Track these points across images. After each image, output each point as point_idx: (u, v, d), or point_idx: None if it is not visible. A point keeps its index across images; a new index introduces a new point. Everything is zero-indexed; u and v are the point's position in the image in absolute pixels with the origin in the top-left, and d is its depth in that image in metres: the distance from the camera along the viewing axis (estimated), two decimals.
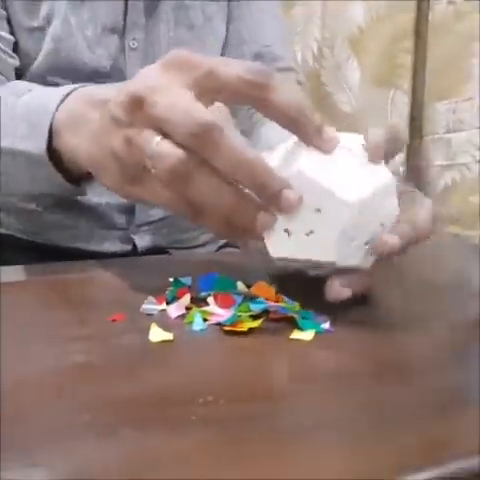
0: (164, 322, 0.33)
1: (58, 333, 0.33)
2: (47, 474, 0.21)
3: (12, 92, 0.47)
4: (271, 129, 0.59)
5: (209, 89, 0.33)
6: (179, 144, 0.32)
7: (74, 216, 0.64)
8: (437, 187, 1.21)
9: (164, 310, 0.35)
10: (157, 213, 0.68)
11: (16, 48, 0.60)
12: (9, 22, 0.59)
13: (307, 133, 0.33)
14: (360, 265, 0.35)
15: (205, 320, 0.34)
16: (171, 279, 0.39)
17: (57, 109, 0.42)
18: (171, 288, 0.38)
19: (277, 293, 0.36)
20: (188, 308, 0.35)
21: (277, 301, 0.35)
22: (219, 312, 0.34)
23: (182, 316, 0.35)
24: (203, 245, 0.74)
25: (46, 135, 0.42)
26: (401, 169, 1.10)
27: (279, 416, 0.25)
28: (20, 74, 0.61)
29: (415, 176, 0.36)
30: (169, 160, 0.32)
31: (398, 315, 0.37)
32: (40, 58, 0.60)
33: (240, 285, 0.38)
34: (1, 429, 0.23)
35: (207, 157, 0.32)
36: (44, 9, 0.59)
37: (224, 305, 0.35)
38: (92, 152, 0.39)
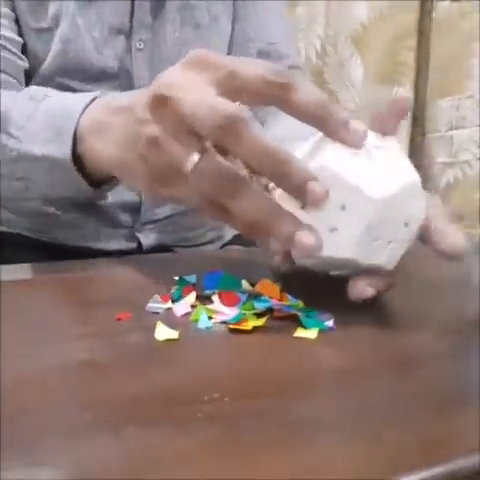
0: (170, 320, 0.34)
1: (63, 331, 0.33)
2: (50, 473, 0.21)
3: (29, 97, 0.47)
4: (274, 127, 0.59)
5: (231, 89, 0.33)
6: (218, 155, 0.33)
7: (80, 215, 0.64)
8: (439, 184, 1.21)
9: (169, 308, 0.36)
10: (163, 211, 0.68)
11: (24, 50, 0.61)
12: (17, 23, 0.60)
13: (333, 128, 0.33)
14: (383, 265, 0.34)
15: (210, 318, 0.34)
16: (176, 277, 0.39)
17: (81, 115, 0.42)
18: (176, 286, 0.38)
19: (281, 291, 0.36)
20: (193, 306, 0.36)
21: (281, 299, 0.36)
22: (224, 310, 0.35)
23: (187, 314, 0.35)
24: (208, 243, 0.75)
25: (71, 140, 0.43)
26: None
27: (284, 413, 0.25)
28: (29, 75, 0.61)
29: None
30: (211, 178, 0.33)
31: (401, 313, 0.37)
32: (49, 59, 0.60)
33: (244, 283, 0.38)
34: (3, 427, 0.23)
35: (232, 149, 0.32)
36: (51, 10, 0.60)
37: (229, 303, 0.35)
38: (119, 156, 0.39)
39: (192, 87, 0.33)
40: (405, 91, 1.30)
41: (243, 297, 0.36)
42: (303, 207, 0.33)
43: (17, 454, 0.22)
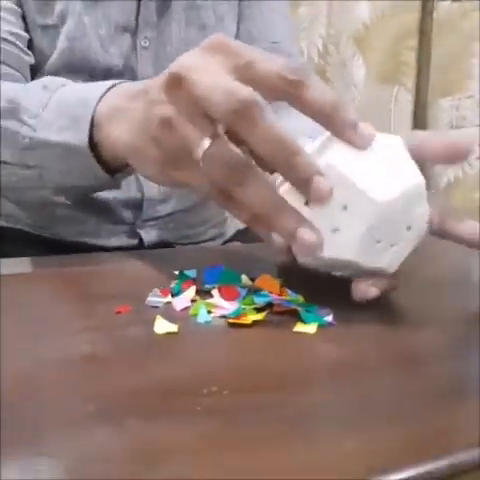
0: (169, 314, 0.34)
1: (63, 325, 0.33)
2: (52, 464, 0.21)
3: (43, 87, 0.47)
4: (285, 121, 0.59)
5: (246, 80, 0.33)
6: (229, 137, 0.33)
7: (81, 211, 0.64)
8: (440, 184, 1.21)
9: (169, 302, 0.36)
10: (164, 208, 0.68)
11: (31, 46, 0.61)
12: (24, 20, 0.60)
13: (341, 128, 0.33)
14: (385, 268, 0.34)
15: (210, 312, 0.34)
16: (176, 272, 0.40)
17: (98, 102, 0.42)
18: (176, 281, 0.38)
19: (281, 286, 0.36)
20: (193, 300, 0.36)
21: (281, 294, 0.36)
22: (224, 305, 0.35)
23: (187, 308, 0.35)
24: (209, 240, 0.75)
25: (88, 127, 0.42)
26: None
27: (282, 407, 0.25)
28: (34, 72, 0.61)
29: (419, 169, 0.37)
30: (220, 164, 0.33)
31: (400, 310, 0.37)
32: (55, 56, 0.60)
33: (244, 278, 0.38)
34: (4, 420, 0.23)
35: (245, 134, 0.32)
36: (58, 8, 0.60)
37: (229, 298, 0.35)
38: (132, 140, 0.39)
39: (208, 70, 0.33)
40: (406, 90, 1.30)
41: (243, 292, 0.36)
42: (307, 203, 0.33)
43: (18, 446, 0.22)
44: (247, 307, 0.34)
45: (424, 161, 0.35)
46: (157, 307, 0.35)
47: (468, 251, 0.39)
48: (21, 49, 0.59)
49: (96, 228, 0.65)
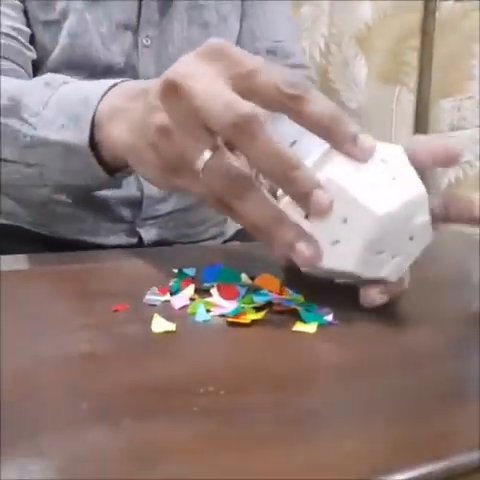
0: (167, 313, 0.33)
1: (60, 322, 0.33)
2: (48, 463, 0.21)
3: (45, 84, 0.46)
4: (289, 125, 0.59)
5: (245, 90, 0.32)
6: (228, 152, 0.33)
7: (81, 209, 0.64)
8: (441, 184, 1.21)
9: (168, 301, 0.35)
10: (164, 207, 0.68)
11: (32, 41, 0.61)
12: (25, 15, 0.60)
13: (341, 141, 0.33)
14: (386, 277, 0.34)
15: (208, 311, 0.34)
16: (175, 270, 0.39)
17: (99, 102, 0.42)
18: (175, 279, 0.38)
19: (281, 285, 0.36)
20: (192, 299, 0.35)
21: (281, 293, 0.35)
22: (223, 303, 0.34)
23: (185, 307, 0.35)
24: (209, 239, 0.74)
25: (89, 126, 0.42)
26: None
27: (280, 408, 0.25)
28: (36, 67, 0.61)
29: (419, 174, 0.36)
30: (220, 177, 0.33)
31: (400, 309, 0.37)
32: (56, 52, 0.60)
33: (244, 277, 0.38)
34: (3, 417, 0.23)
35: (244, 149, 0.32)
36: (60, 3, 0.60)
37: (228, 297, 0.35)
38: (131, 141, 0.39)
39: (206, 78, 0.32)
40: (408, 90, 1.30)
41: (242, 291, 0.35)
42: (307, 217, 0.33)
43: (15, 445, 0.21)
44: (246, 306, 0.34)
45: (418, 166, 0.35)
46: (155, 305, 0.35)
47: (468, 250, 0.39)
48: (23, 44, 0.59)
49: (95, 226, 0.65)
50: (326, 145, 0.34)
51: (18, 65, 0.58)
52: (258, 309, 0.34)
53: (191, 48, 0.35)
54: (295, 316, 0.33)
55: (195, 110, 0.32)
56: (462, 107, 1.24)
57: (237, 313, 0.33)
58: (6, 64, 0.57)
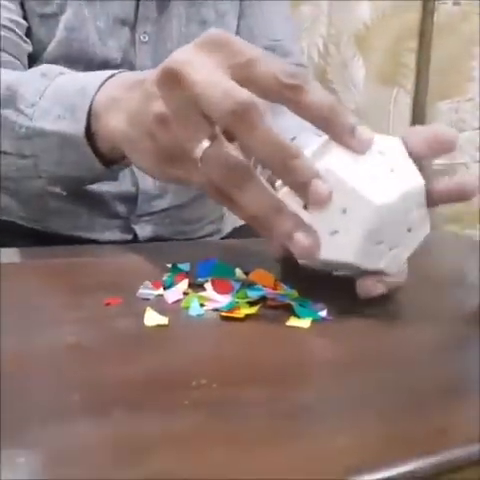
0: (160, 307, 0.33)
1: (52, 315, 0.33)
2: (37, 454, 0.21)
3: (41, 74, 0.46)
4: (291, 119, 0.59)
5: (243, 80, 0.32)
6: (227, 140, 0.32)
7: (75, 204, 0.64)
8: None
9: (161, 295, 0.35)
10: (160, 204, 0.68)
11: (29, 34, 0.60)
12: (22, 7, 0.59)
13: (339, 132, 0.33)
14: (385, 269, 0.34)
15: (202, 305, 0.33)
16: (169, 265, 0.39)
17: (97, 92, 0.42)
18: (169, 273, 0.37)
19: (276, 280, 0.36)
20: (185, 293, 0.35)
21: (275, 288, 0.35)
22: (216, 298, 0.34)
23: (179, 301, 0.34)
24: (206, 237, 0.74)
25: (85, 117, 0.42)
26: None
27: (272, 402, 0.25)
28: (32, 60, 0.61)
29: (417, 165, 0.36)
30: (219, 166, 0.32)
31: (395, 305, 0.37)
32: (53, 45, 0.60)
33: (238, 272, 0.37)
34: None
35: (242, 137, 0.32)
36: None
37: (222, 291, 0.34)
38: (128, 131, 0.38)
39: (205, 67, 0.32)
40: (405, 92, 1.30)
41: (236, 285, 0.35)
42: (306, 207, 0.33)
43: (4, 436, 0.21)
44: (240, 301, 0.33)
45: (415, 157, 0.35)
46: (148, 299, 0.35)
47: (466, 249, 0.39)
48: (20, 37, 0.59)
49: (90, 222, 0.65)
50: (324, 137, 0.34)
51: (15, 57, 0.58)
52: (252, 304, 0.33)
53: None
54: (289, 311, 0.33)
55: (194, 98, 0.32)
56: (460, 109, 1.24)
57: (231, 308, 0.33)
58: (3, 56, 0.56)
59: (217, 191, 0.35)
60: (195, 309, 0.33)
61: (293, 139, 0.49)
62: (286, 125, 0.57)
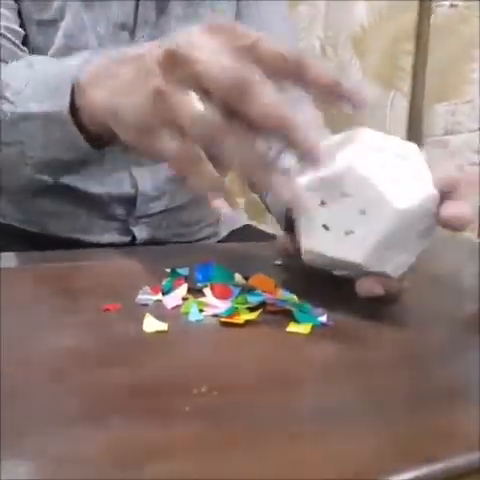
0: (160, 312, 0.33)
1: (51, 321, 0.32)
2: (35, 461, 0.21)
3: (28, 64, 0.47)
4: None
5: (248, 59, 0.33)
6: (215, 105, 0.33)
7: (74, 206, 0.63)
8: None
9: (160, 300, 0.35)
10: (158, 206, 0.67)
11: (26, 42, 0.60)
12: (20, 15, 0.59)
13: (348, 96, 0.34)
14: (389, 273, 0.34)
15: (201, 311, 0.33)
16: (168, 270, 0.39)
17: (80, 69, 0.42)
18: (168, 278, 0.37)
19: (276, 286, 0.35)
20: (184, 299, 0.35)
21: (275, 294, 0.35)
22: (216, 303, 0.34)
23: (178, 307, 0.34)
24: (203, 239, 0.74)
25: (68, 92, 0.42)
26: None
27: (273, 409, 0.25)
28: None
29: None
30: (207, 125, 0.33)
31: (394, 311, 0.37)
32: (51, 52, 0.60)
33: (238, 277, 0.37)
34: None
35: (243, 107, 0.32)
36: (57, 3, 0.59)
37: (221, 296, 0.34)
38: (116, 103, 0.39)
39: (208, 47, 0.33)
40: (402, 95, 1.30)
41: (236, 290, 0.35)
42: (322, 203, 0.33)
43: (4, 440, 0.21)
44: (240, 306, 0.33)
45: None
46: (147, 305, 0.34)
47: (465, 252, 0.39)
48: (17, 45, 0.58)
49: (88, 224, 0.65)
50: (342, 135, 0.35)
51: None
52: (252, 309, 0.33)
53: None
54: (289, 317, 0.33)
55: (195, 74, 0.33)
56: (457, 112, 1.24)
57: (230, 313, 0.32)
58: None
59: (182, 161, 0.36)
60: (194, 315, 0.33)
61: None
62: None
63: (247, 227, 0.80)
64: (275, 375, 0.27)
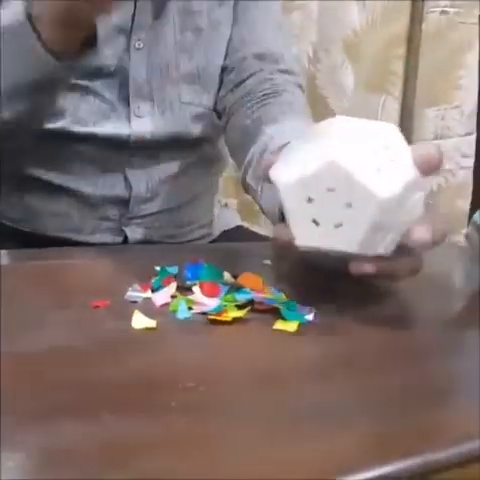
0: (148, 309, 0.33)
1: (40, 317, 0.33)
2: (23, 455, 0.21)
3: None
4: (281, 131, 0.58)
5: None
6: None
7: (66, 206, 0.63)
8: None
9: (149, 298, 0.35)
10: (151, 207, 0.67)
11: None
12: None
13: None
14: (382, 253, 0.35)
15: (190, 308, 0.33)
16: (158, 268, 0.39)
17: None
18: (157, 276, 0.37)
19: (264, 284, 0.36)
20: (173, 297, 0.35)
21: (263, 292, 0.35)
22: (204, 301, 0.34)
23: (167, 304, 0.34)
24: (195, 240, 0.74)
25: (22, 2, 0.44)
26: None
27: (258, 405, 0.25)
28: None
29: None
30: None
31: (381, 309, 0.37)
32: None
33: (226, 275, 0.38)
34: None
35: None
36: None
37: (210, 294, 0.35)
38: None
39: None
40: (393, 99, 1.31)
41: (224, 288, 0.35)
42: (310, 200, 0.34)
43: None
44: (228, 304, 0.33)
45: None
46: (136, 302, 0.35)
47: (451, 255, 0.39)
48: None
49: (80, 224, 0.64)
50: (323, 123, 0.35)
51: None
52: (240, 307, 0.34)
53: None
54: (276, 315, 0.33)
55: None
56: (446, 116, 1.25)
57: (219, 311, 0.33)
58: None
59: None
60: (183, 312, 0.33)
61: (287, 144, 0.50)
62: (281, 130, 0.57)
63: (239, 228, 0.80)
64: (261, 372, 0.28)
